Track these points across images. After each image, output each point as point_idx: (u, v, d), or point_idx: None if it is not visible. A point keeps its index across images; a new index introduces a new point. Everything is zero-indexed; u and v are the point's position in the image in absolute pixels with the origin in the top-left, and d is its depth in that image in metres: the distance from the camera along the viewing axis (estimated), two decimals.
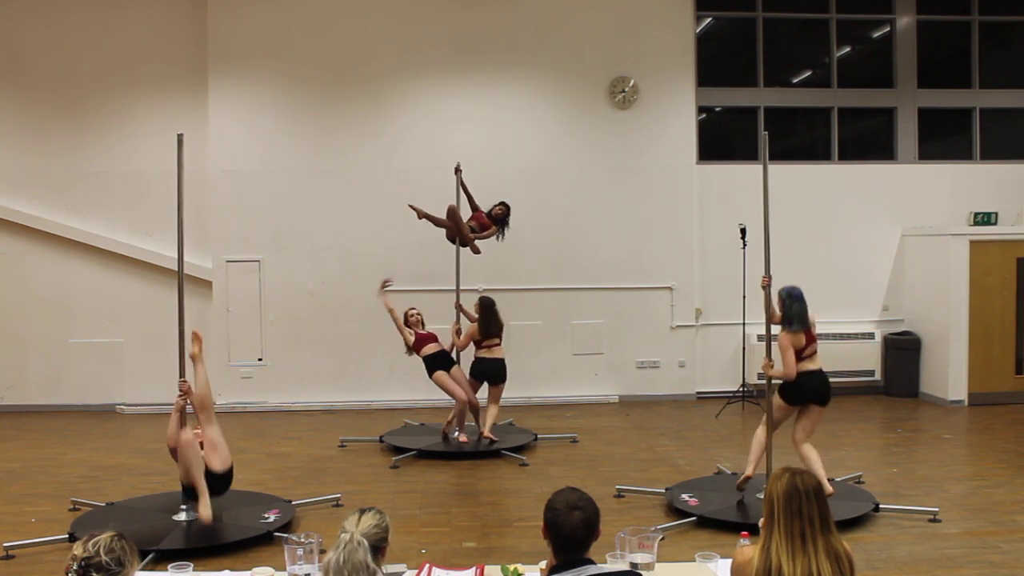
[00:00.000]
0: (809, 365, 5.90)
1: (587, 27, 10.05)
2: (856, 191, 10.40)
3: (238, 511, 5.92)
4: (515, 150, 9.99)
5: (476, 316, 7.93)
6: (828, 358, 10.05)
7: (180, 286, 5.93)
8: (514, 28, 10.00)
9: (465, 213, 8.05)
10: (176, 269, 5.98)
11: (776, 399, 6.03)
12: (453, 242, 8.17)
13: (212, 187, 9.73)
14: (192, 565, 3.48)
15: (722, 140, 10.96)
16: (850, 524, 5.53)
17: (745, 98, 10.54)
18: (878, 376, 10.30)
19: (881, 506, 5.89)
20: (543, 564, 3.17)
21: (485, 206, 8.16)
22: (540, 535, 2.92)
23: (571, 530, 2.78)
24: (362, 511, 2.90)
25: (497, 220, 8.07)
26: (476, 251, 8.11)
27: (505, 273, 9.74)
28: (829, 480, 5.97)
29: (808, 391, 5.91)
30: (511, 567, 3.45)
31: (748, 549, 2.89)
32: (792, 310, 5.88)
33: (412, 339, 7.90)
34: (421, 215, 7.93)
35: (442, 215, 7.94)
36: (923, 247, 10.13)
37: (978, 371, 9.63)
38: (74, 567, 2.53)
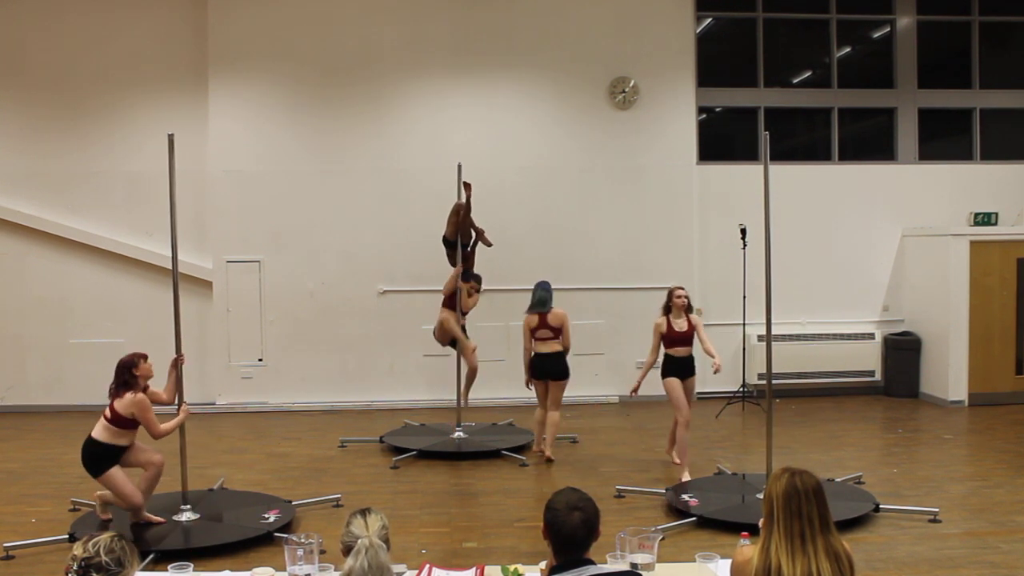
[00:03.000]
0: (542, 348, 7.36)
1: (587, 27, 10.05)
2: (856, 191, 10.40)
3: (238, 511, 5.93)
4: (515, 150, 9.99)
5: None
6: (828, 358, 10.27)
7: (175, 286, 5.91)
8: (514, 28, 10.00)
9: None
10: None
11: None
12: (452, 247, 8.17)
13: (212, 187, 9.73)
14: (192, 565, 3.48)
15: (722, 140, 10.96)
16: (850, 524, 5.53)
17: (745, 98, 10.54)
18: (878, 376, 10.29)
19: (881, 506, 5.88)
20: (543, 564, 3.17)
21: (485, 209, 8.23)
22: (540, 535, 2.92)
23: (571, 530, 2.78)
24: (363, 513, 2.90)
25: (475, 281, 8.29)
26: (488, 243, 8.25)
27: (505, 273, 9.73)
28: (830, 480, 6.00)
29: (541, 369, 7.37)
30: (511, 567, 3.45)
31: (748, 549, 2.89)
32: (535, 295, 7.45)
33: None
34: (469, 196, 7.94)
35: (446, 217, 8.08)
36: (923, 247, 10.13)
37: (978, 371, 9.62)
38: (74, 567, 2.53)
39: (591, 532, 2.81)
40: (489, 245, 8.33)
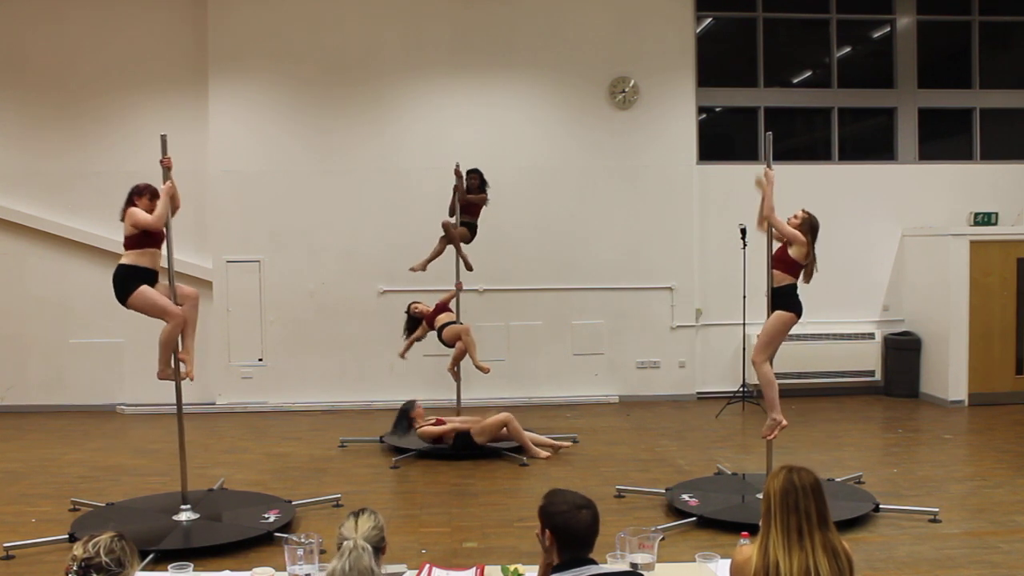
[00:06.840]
0: None
1: (587, 27, 10.05)
2: (856, 191, 10.40)
3: (238, 511, 5.93)
4: (515, 150, 9.98)
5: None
6: (828, 358, 10.27)
7: (171, 285, 5.87)
8: (514, 28, 10.00)
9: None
10: (175, 269, 5.96)
11: None
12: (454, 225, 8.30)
13: (212, 187, 9.73)
14: (192, 565, 3.49)
15: (722, 140, 10.96)
16: (850, 524, 5.53)
17: (745, 98, 10.54)
18: (878, 376, 10.29)
19: (881, 506, 5.88)
20: None
21: (484, 208, 8.37)
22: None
23: (585, 529, 2.80)
24: (357, 514, 2.90)
25: (479, 189, 8.27)
26: (469, 267, 8.36)
27: (505, 273, 9.74)
28: (830, 480, 6.00)
29: None
30: (511, 567, 3.45)
31: (747, 548, 2.89)
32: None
33: None
34: (462, 183, 8.17)
35: (441, 221, 8.23)
36: (923, 247, 10.13)
37: (978, 371, 9.62)
38: (74, 567, 2.54)
39: (598, 530, 2.84)
40: (469, 269, 8.40)
